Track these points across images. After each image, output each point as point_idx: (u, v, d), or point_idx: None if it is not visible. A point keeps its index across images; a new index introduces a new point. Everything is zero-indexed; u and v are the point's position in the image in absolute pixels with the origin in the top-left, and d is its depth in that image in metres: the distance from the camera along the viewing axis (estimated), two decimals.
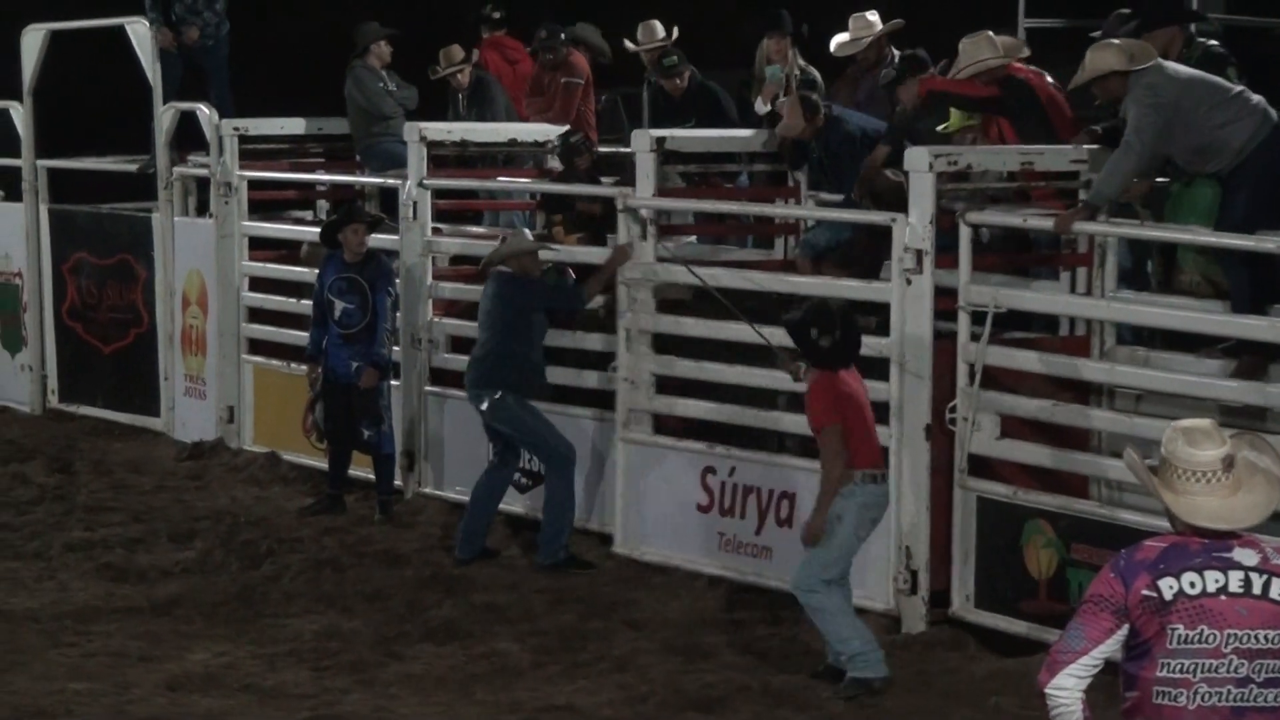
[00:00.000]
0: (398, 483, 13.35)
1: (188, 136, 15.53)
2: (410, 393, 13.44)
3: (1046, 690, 5.41)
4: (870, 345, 10.14)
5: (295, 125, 15.97)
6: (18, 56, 16.65)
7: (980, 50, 10.83)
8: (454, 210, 14.44)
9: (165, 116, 15.55)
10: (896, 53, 12.60)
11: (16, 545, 12.53)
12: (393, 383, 13.17)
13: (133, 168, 16.41)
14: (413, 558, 12.18)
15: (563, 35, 14.78)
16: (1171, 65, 10.12)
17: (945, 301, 10.38)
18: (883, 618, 10.41)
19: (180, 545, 12.49)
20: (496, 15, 15.22)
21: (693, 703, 9.40)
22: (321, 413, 13.07)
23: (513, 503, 12.59)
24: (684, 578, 11.45)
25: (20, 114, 16.69)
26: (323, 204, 15.39)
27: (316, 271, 12.96)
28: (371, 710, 9.47)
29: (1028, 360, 10.28)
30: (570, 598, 11.24)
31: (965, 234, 10.27)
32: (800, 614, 9.82)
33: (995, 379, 10.22)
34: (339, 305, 12.95)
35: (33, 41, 16.60)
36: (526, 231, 12.99)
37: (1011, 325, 10.61)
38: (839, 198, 12.00)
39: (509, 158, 14.58)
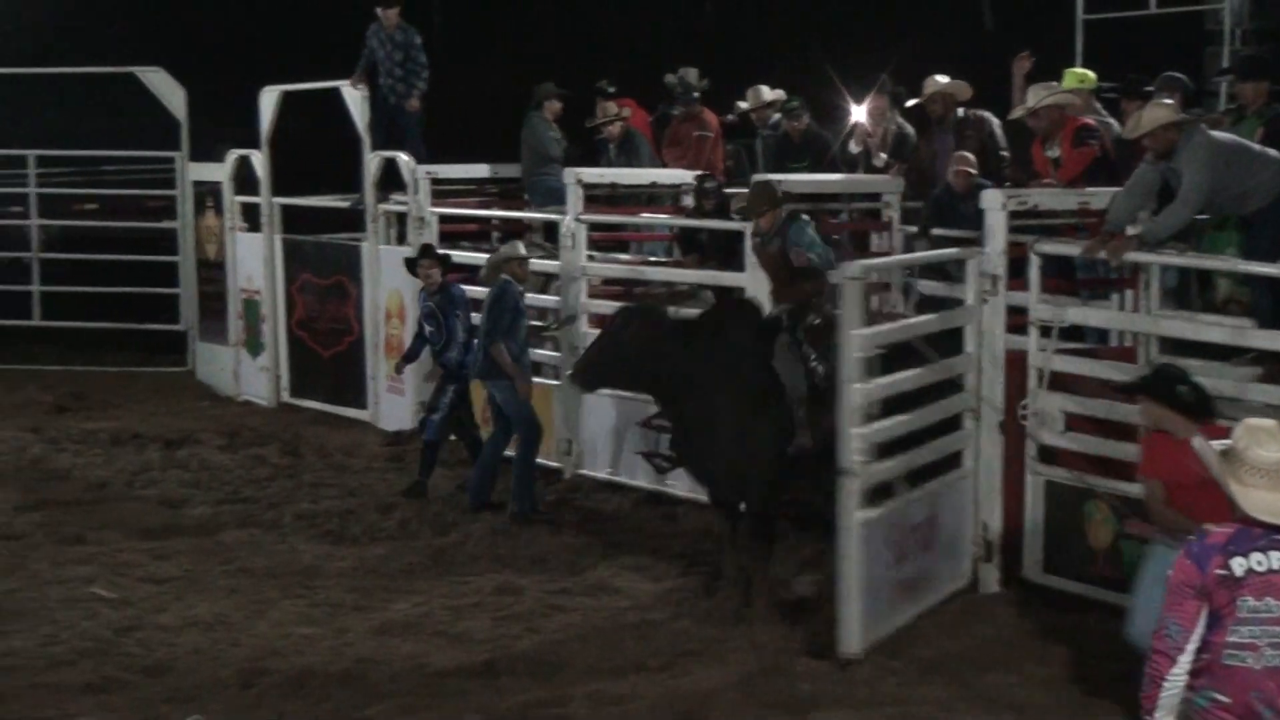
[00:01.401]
0: (557, 464, 13.30)
1: (390, 179, 15.57)
2: (565, 391, 13.37)
3: (1166, 678, 5.34)
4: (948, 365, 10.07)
5: (476, 170, 16.06)
6: (257, 112, 16.73)
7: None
8: (605, 241, 14.37)
9: (372, 162, 15.65)
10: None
11: (256, 515, 12.58)
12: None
13: (346, 204, 16.46)
14: (571, 528, 12.13)
15: (694, 94, 14.77)
16: (1213, 132, 9.99)
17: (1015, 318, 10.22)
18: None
19: (384, 515, 12.49)
20: (611, 89, 15.17)
21: None
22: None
23: (653, 481, 12.51)
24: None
25: (259, 160, 16.78)
26: (496, 235, 15.32)
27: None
28: (540, 651, 9.42)
29: (1087, 366, 10.08)
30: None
31: (1035, 262, 10.09)
32: None
33: (1060, 382, 10.03)
34: (427, 328, 13.02)
35: (269, 100, 16.72)
36: (519, 244, 13.01)
37: (1070, 337, 10.41)
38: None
39: (651, 197, 14.52)
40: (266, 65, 18.72)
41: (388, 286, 15.39)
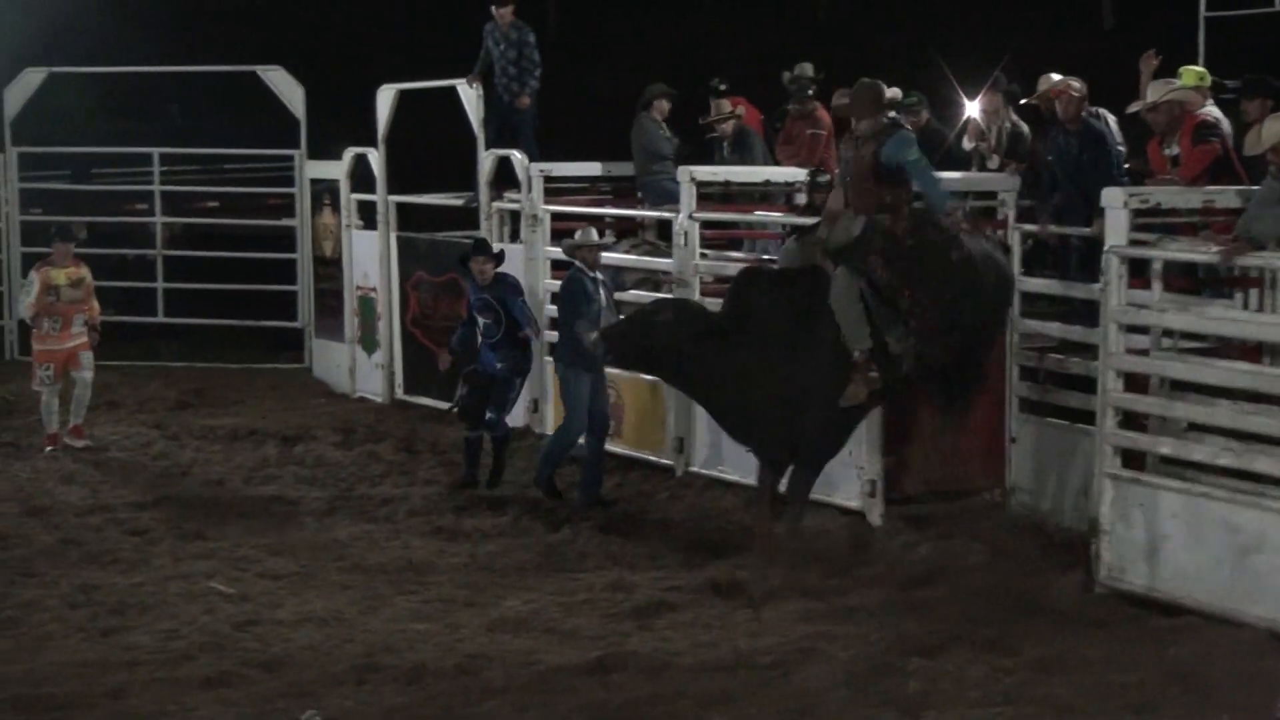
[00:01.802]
0: (669, 462, 13.31)
1: (504, 177, 15.62)
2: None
3: None
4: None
5: (589, 168, 16.08)
6: (374, 111, 16.84)
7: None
8: (718, 239, 14.34)
9: (487, 161, 15.70)
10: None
11: (370, 510, 12.66)
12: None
13: (460, 202, 16.53)
14: (682, 525, 12.12)
15: (809, 91, 14.69)
16: None
17: None
18: None
19: (497, 512, 12.53)
20: (723, 87, 15.12)
21: None
22: (462, 396, 13.25)
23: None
24: None
25: (376, 158, 16.89)
26: (610, 233, 15.34)
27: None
28: (651, 649, 9.40)
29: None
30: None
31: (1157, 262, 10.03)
32: None
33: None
34: (480, 320, 13.12)
35: (385, 98, 16.81)
36: (593, 230, 13.10)
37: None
38: None
39: (764, 195, 14.47)
40: (384, 64, 18.90)
41: None
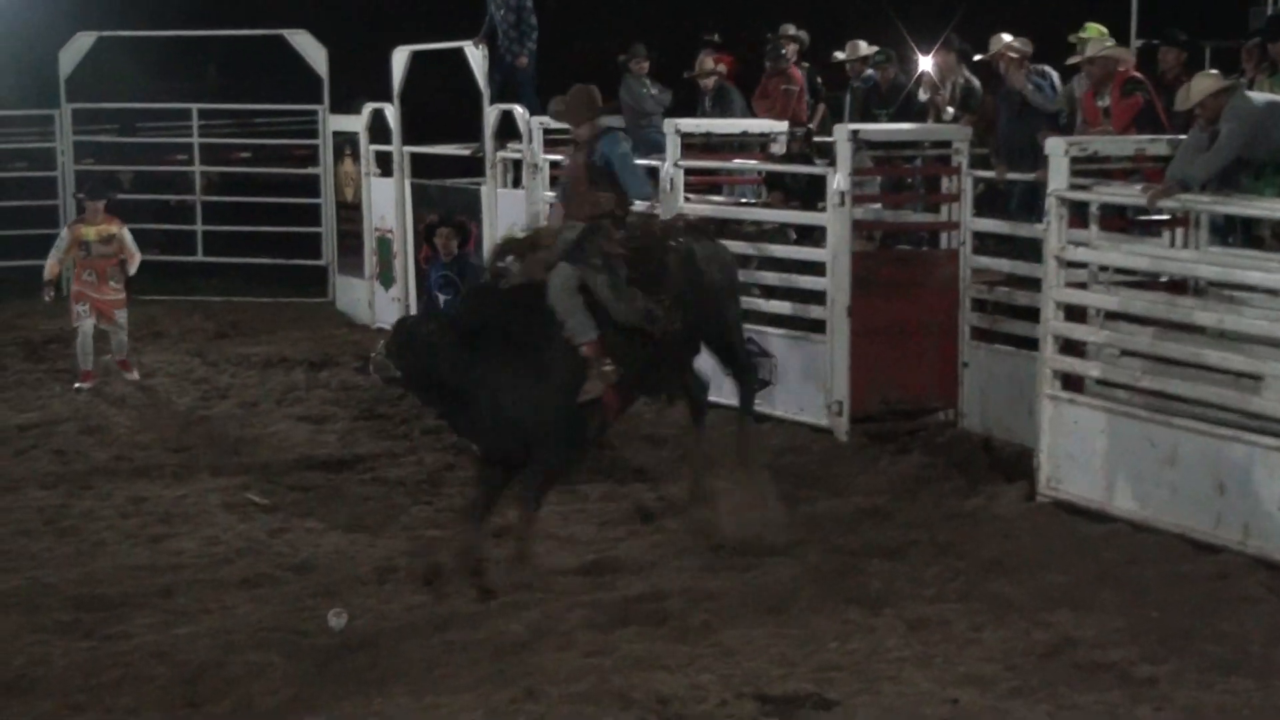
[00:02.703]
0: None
1: (507, 129, 15.55)
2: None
3: None
4: None
5: None
6: (390, 70, 16.75)
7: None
8: (701, 185, 14.30)
9: (491, 115, 15.63)
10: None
11: (389, 429, 12.63)
12: None
13: (468, 152, 16.47)
14: (671, 440, 12.06)
15: (783, 52, 14.66)
16: (1252, 93, 9.87)
17: None
18: None
19: None
20: (716, 39, 15.03)
21: None
22: None
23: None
24: None
25: (392, 113, 16.81)
26: None
27: None
28: (640, 554, 9.41)
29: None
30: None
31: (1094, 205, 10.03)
32: None
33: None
34: (441, 298, 12.03)
35: (400, 59, 16.72)
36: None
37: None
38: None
39: (741, 145, 14.42)
40: (399, 27, 18.78)
41: (504, 226, 15.35)
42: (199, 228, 19.12)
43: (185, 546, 9.66)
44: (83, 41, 18.87)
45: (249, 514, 10.33)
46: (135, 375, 14.20)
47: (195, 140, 19.49)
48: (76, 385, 13.77)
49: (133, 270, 13.97)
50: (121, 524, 10.12)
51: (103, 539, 9.83)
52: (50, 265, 13.85)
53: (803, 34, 14.94)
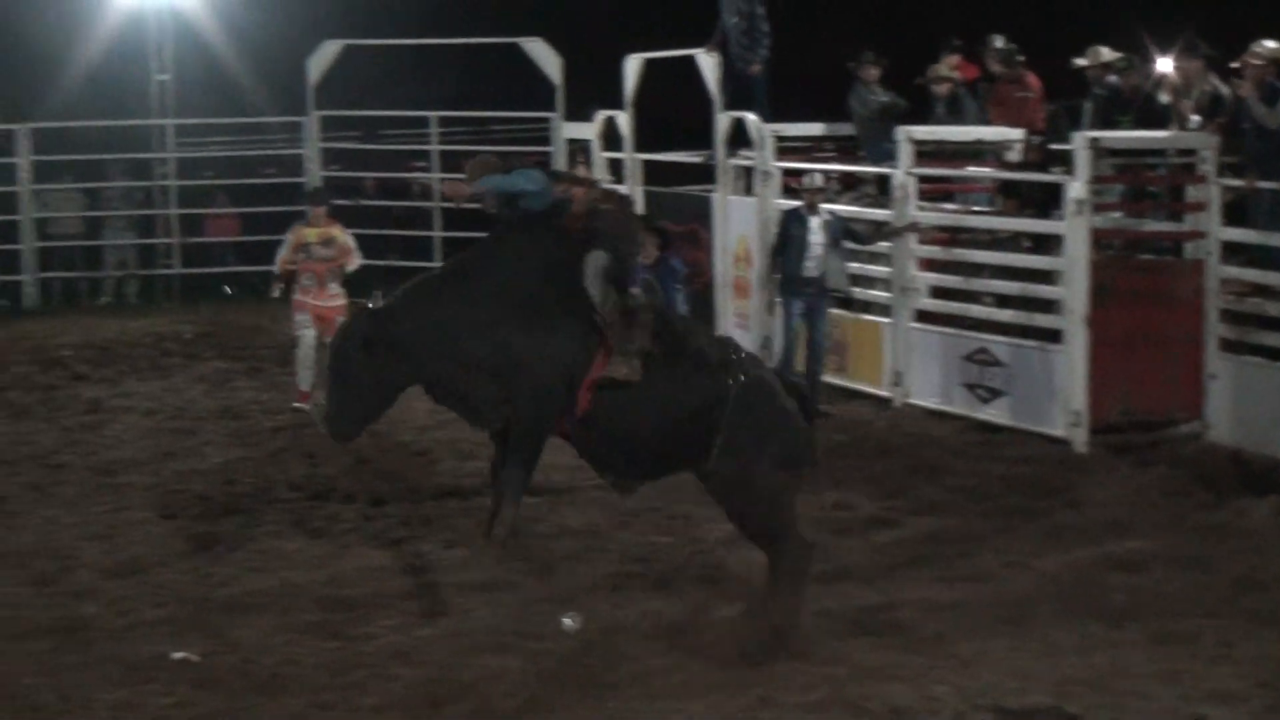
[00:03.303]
0: (887, 394, 13.11)
1: (738, 136, 15.51)
2: (899, 328, 13.21)
3: None
4: None
5: (815, 128, 15.86)
6: (622, 78, 16.81)
7: None
8: (933, 192, 14.11)
9: (723, 122, 15.59)
10: None
11: None
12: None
13: (699, 159, 16.46)
14: (899, 450, 11.96)
15: (1018, 58, 14.40)
16: None
17: None
18: None
19: None
20: (956, 43, 14.82)
21: None
22: None
23: (978, 410, 12.28)
24: None
25: (624, 120, 16.89)
26: (834, 188, 15.13)
27: None
28: (873, 561, 9.32)
29: None
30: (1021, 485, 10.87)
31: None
32: None
33: None
34: None
35: (633, 66, 16.79)
36: (816, 176, 13.14)
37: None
38: None
39: (975, 152, 14.19)
40: (632, 35, 18.87)
41: (736, 233, 15.35)
42: (436, 234, 19.41)
43: (424, 549, 9.77)
44: (329, 50, 19.27)
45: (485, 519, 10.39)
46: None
47: (434, 147, 19.81)
48: (294, 405, 13.48)
49: (350, 268, 13.73)
50: (365, 526, 10.28)
51: (347, 541, 9.99)
52: (279, 260, 13.70)
53: (1011, 47, 14.65)
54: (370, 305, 7.90)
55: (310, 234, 13.61)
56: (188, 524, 10.21)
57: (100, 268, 19.72)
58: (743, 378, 7.92)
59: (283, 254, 13.61)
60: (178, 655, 7.86)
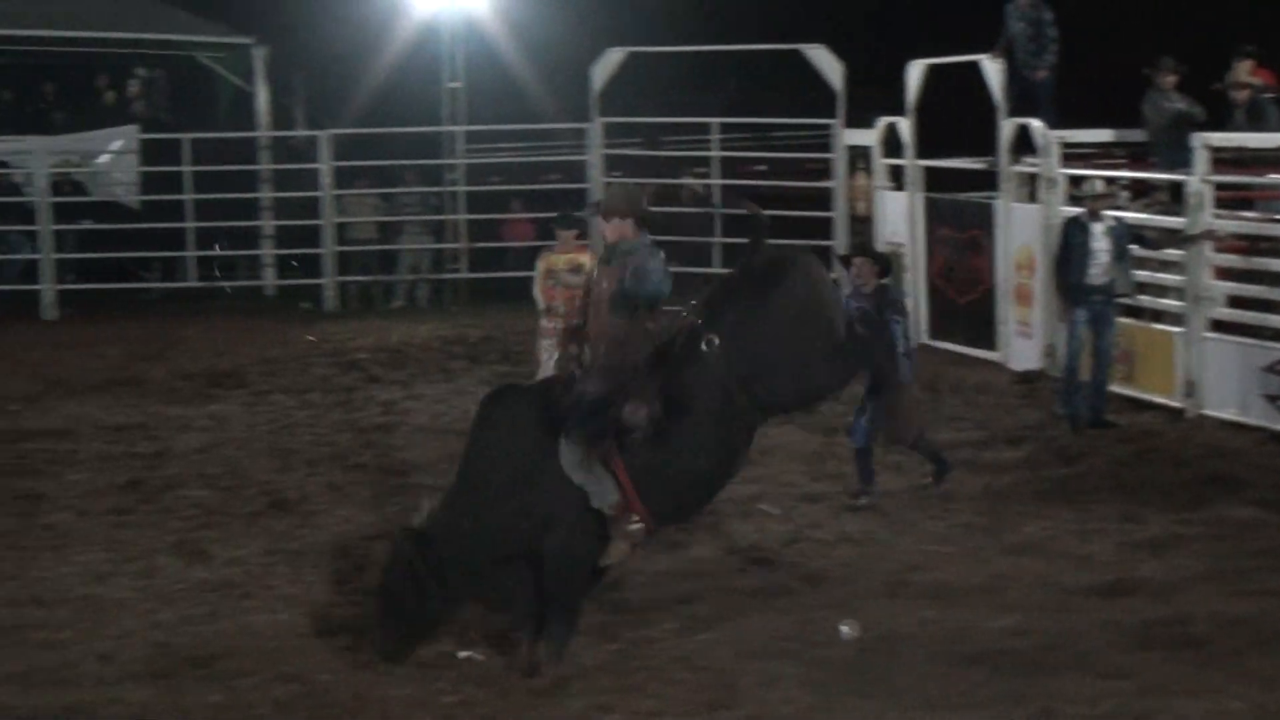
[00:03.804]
0: (1179, 404, 12.74)
1: (1023, 143, 15.24)
2: (1193, 338, 12.84)
3: None
4: None
5: (1103, 134, 15.50)
6: (903, 83, 16.66)
7: None
8: (1231, 200, 13.65)
9: (1007, 128, 15.34)
10: None
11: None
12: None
13: (981, 166, 16.22)
14: (1192, 462, 11.61)
15: None
16: None
17: None
18: None
19: (1014, 447, 12.26)
20: (1249, 49, 14.31)
21: None
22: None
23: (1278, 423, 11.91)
24: None
25: (905, 126, 16.74)
26: (1124, 195, 14.76)
27: None
28: (1163, 575, 9.06)
29: None
30: None
31: None
32: None
33: None
34: None
35: (915, 72, 16.62)
36: (1096, 183, 12.81)
37: None
38: None
39: (1278, 159, 13.70)
40: (914, 41, 18.70)
41: (1019, 241, 15.09)
42: (717, 240, 19.47)
43: (704, 554, 9.80)
44: (613, 57, 19.43)
45: (762, 524, 10.40)
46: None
47: (715, 154, 19.89)
48: None
49: None
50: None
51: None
52: (536, 295, 12.90)
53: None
54: (411, 526, 7.79)
55: (559, 261, 12.88)
56: None
57: (394, 272, 20.27)
58: None
59: (536, 286, 12.89)
60: (463, 654, 8.03)
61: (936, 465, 11.01)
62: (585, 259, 12.86)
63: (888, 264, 11.00)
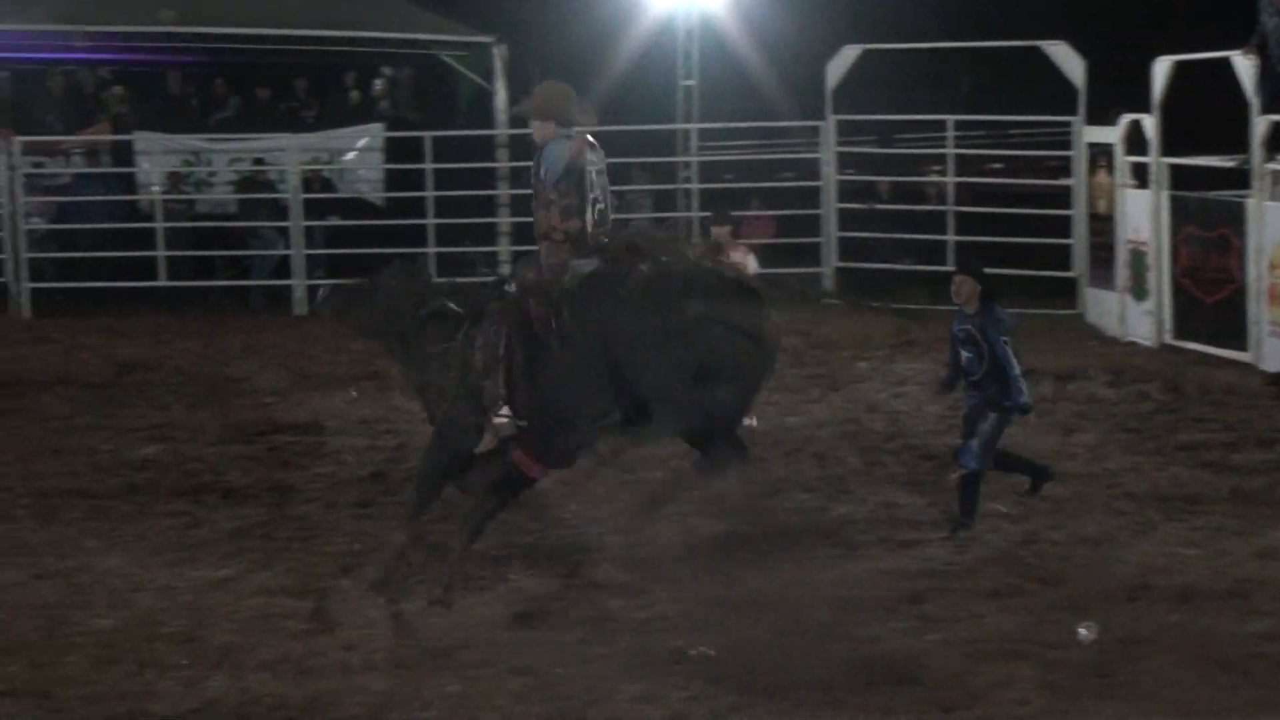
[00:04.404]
0: None
1: (1278, 141, 14.79)
2: None
3: None
4: None
5: None
6: (1148, 80, 16.26)
7: None
8: None
9: (1260, 125, 14.91)
10: None
11: (1140, 444, 12.22)
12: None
13: (1232, 164, 15.76)
14: None
15: None
16: None
17: None
18: None
19: (1265, 449, 11.87)
20: None
21: None
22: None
23: None
24: None
25: (1150, 124, 16.36)
26: None
27: None
28: None
29: None
30: None
31: None
32: None
33: None
34: (963, 354, 10.02)
35: (1162, 69, 16.21)
36: None
37: None
38: None
39: None
40: (1159, 37, 18.28)
41: (1272, 239, 14.66)
42: (950, 237, 19.25)
43: (935, 554, 9.70)
44: (848, 54, 19.32)
45: (997, 524, 10.25)
46: (751, 421, 12.20)
47: (949, 151, 19.66)
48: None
49: None
50: (876, 529, 10.26)
51: (857, 543, 9.99)
52: None
53: None
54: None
55: None
56: (704, 523, 10.46)
57: None
58: None
59: None
60: (695, 651, 8.06)
61: (1035, 475, 10.41)
62: (739, 256, 12.69)
63: (984, 278, 10.07)
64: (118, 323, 18.35)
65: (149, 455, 12.28)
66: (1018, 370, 9.84)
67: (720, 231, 12.58)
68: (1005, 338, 9.84)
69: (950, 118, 19.92)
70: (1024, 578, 9.15)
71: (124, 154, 20.25)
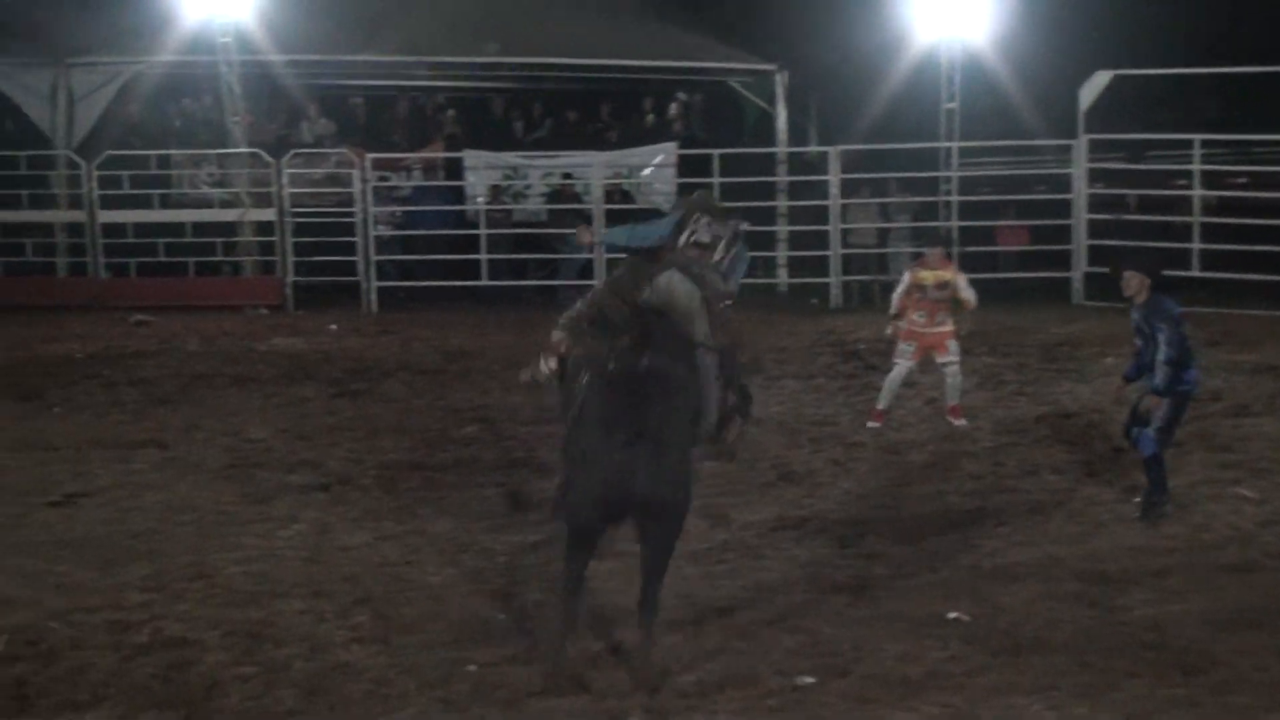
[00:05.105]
0: None
1: None
2: None
3: None
4: None
5: None
6: None
7: None
8: None
9: None
10: None
11: None
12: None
13: None
14: None
15: None
16: None
17: None
18: None
19: None
20: None
21: None
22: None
23: None
24: None
25: None
26: None
27: None
28: None
29: None
30: None
31: None
32: None
33: None
34: (1136, 343, 9.78)
35: None
36: None
37: None
38: None
39: None
40: None
41: None
42: (1195, 246, 18.62)
43: (1177, 532, 9.43)
44: (1100, 78, 19.01)
45: (1237, 506, 9.92)
46: (962, 422, 12.58)
47: (1196, 167, 19.02)
48: (868, 423, 12.65)
49: (969, 306, 12.65)
50: (1118, 509, 10.00)
51: (1103, 521, 9.78)
52: (894, 301, 12.81)
53: None
54: None
55: (927, 276, 12.62)
56: (960, 500, 10.35)
57: (891, 273, 20.29)
58: None
59: (898, 295, 12.72)
60: (952, 615, 7.99)
61: (1155, 495, 9.76)
62: (950, 275, 12.66)
63: (1161, 278, 9.70)
64: (446, 317, 18.91)
65: (471, 433, 12.59)
66: (1169, 357, 9.44)
67: (934, 253, 12.61)
68: (1163, 325, 9.48)
69: (1196, 136, 19.27)
70: (1263, 554, 8.85)
71: (455, 169, 20.96)
